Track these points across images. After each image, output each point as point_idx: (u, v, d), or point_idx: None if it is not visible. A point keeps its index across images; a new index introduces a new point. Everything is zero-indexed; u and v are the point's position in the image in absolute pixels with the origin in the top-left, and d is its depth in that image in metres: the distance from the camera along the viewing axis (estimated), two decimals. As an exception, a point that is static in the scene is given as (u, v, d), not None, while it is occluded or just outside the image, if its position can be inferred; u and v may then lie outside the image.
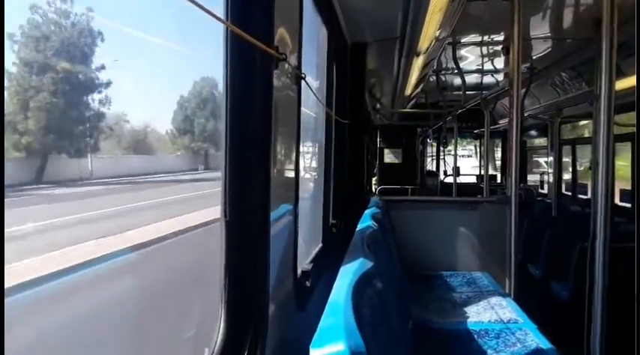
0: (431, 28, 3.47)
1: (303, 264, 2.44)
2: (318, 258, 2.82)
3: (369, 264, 1.68)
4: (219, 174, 1.54)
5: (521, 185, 8.53)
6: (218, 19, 1.32)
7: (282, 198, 1.96)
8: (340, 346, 0.99)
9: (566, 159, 7.49)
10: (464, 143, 17.72)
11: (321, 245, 3.22)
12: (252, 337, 1.53)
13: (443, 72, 6.80)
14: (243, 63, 1.51)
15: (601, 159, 2.53)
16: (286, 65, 1.80)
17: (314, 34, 3.29)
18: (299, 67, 2.04)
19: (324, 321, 1.13)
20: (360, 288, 1.41)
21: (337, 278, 1.48)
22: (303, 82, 2.10)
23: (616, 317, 2.86)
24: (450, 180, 10.41)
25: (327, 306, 1.23)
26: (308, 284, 2.30)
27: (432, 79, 6.73)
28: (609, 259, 2.89)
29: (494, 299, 3.22)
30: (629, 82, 4.88)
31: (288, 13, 1.90)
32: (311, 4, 2.77)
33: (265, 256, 1.59)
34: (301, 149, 2.26)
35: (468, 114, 7.88)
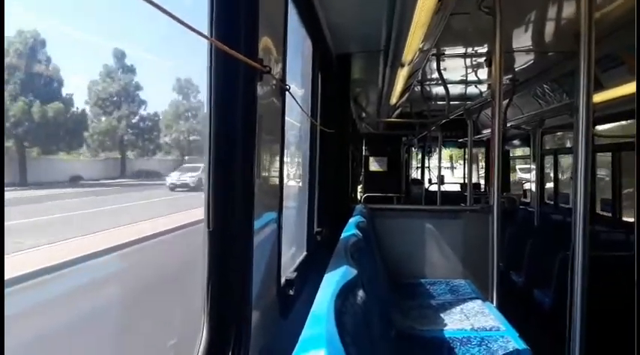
0: (415, 41, 3.53)
1: (287, 272, 2.46)
2: (302, 266, 2.84)
3: (353, 273, 1.71)
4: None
5: (505, 194, 8.65)
6: (202, 35, 1.35)
7: (267, 207, 1.98)
8: None
9: (549, 169, 7.62)
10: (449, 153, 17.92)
11: (305, 253, 3.24)
12: (234, 346, 1.54)
13: (427, 82, 6.90)
14: (227, 75, 1.54)
15: (580, 170, 2.59)
16: (270, 77, 1.83)
17: (299, 45, 3.33)
18: (283, 78, 2.07)
19: (307, 331, 1.16)
20: (343, 297, 1.43)
21: (320, 287, 1.50)
22: (287, 93, 2.13)
23: (596, 326, 2.91)
24: (435, 188, 10.50)
25: (309, 316, 1.25)
26: (292, 292, 2.32)
27: (416, 89, 6.82)
28: (590, 268, 2.96)
29: (477, 307, 3.26)
30: (609, 94, 5.01)
31: (273, 26, 1.94)
32: (296, 16, 2.82)
33: (248, 266, 1.60)
34: (287, 158, 2.29)
35: (453, 124, 7.99)
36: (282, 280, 2.25)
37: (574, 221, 2.75)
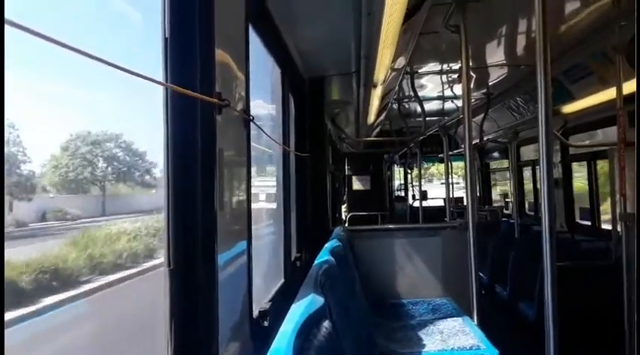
0: (384, 61, 3.57)
1: (262, 303, 2.42)
2: (278, 295, 2.80)
3: (319, 304, 1.68)
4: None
5: (487, 207, 8.70)
6: (157, 82, 1.36)
7: (234, 239, 1.96)
8: None
9: (529, 180, 7.69)
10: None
11: (282, 280, 3.20)
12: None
13: (405, 100, 6.97)
14: (183, 113, 1.53)
15: (543, 180, 2.61)
16: (231, 109, 1.83)
17: (267, 71, 3.35)
18: (246, 109, 2.07)
19: None
20: (306, 332, 1.41)
21: (284, 321, 1.48)
22: (251, 122, 2.12)
23: (574, 335, 2.91)
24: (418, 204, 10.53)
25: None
26: (266, 323, 2.28)
27: (394, 107, 6.88)
28: (568, 277, 2.96)
29: (459, 325, 3.24)
30: (580, 104, 5.09)
31: (234, 59, 1.94)
32: (261, 45, 2.83)
33: (213, 303, 1.57)
34: (259, 184, 2.27)
35: (432, 139, 8.06)
36: (256, 312, 2.21)
37: (542, 231, 2.75)
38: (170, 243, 1.51)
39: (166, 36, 1.55)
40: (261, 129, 2.43)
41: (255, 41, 2.48)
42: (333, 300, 1.95)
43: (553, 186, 2.51)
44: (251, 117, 2.08)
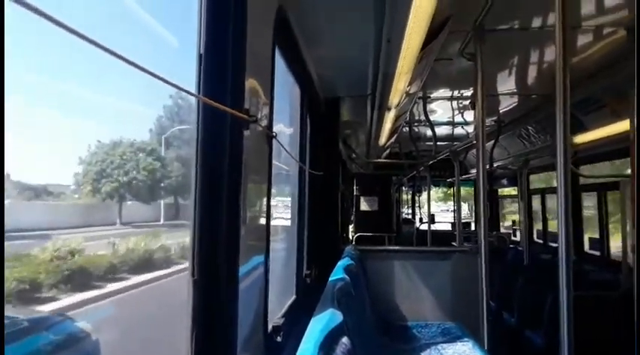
0: (400, 86, 3.64)
1: (275, 318, 2.44)
2: (290, 311, 2.81)
3: (338, 320, 1.71)
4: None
5: (494, 233, 8.68)
6: (190, 93, 1.41)
7: (253, 252, 1.99)
8: None
9: (537, 208, 7.68)
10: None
11: (294, 296, 3.21)
12: (218, 398, 1.52)
13: (416, 123, 7.04)
14: (214, 127, 1.59)
15: (561, 210, 2.63)
16: (257, 125, 1.88)
17: (288, 90, 3.42)
18: (270, 126, 2.12)
19: None
20: (328, 347, 1.43)
21: (304, 336, 1.50)
22: (274, 139, 2.18)
23: None
24: (426, 227, 10.52)
25: None
26: (279, 339, 2.29)
27: (405, 130, 6.95)
28: (578, 307, 2.94)
29: (468, 350, 3.23)
30: (592, 135, 5.13)
31: (260, 77, 2.00)
32: (284, 66, 2.91)
33: (234, 314, 1.60)
34: (275, 201, 2.31)
35: (441, 164, 8.10)
36: (270, 327, 2.23)
37: (559, 261, 2.76)
38: (195, 253, 1.55)
39: (201, 52, 1.61)
40: (283, 146, 2.48)
41: (279, 61, 2.55)
42: (349, 317, 1.97)
43: (571, 215, 2.53)
44: (274, 134, 2.13)
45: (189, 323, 1.51)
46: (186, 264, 1.54)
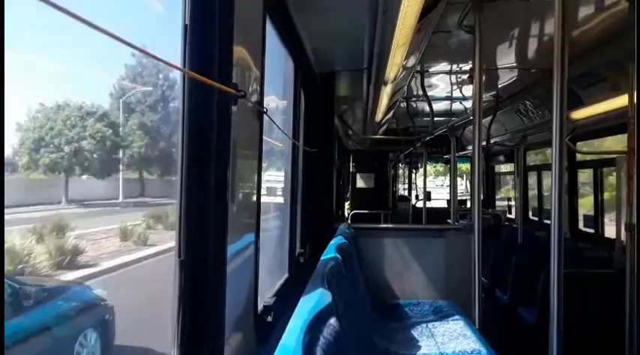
0: (397, 59, 3.55)
1: (266, 297, 2.41)
2: (282, 290, 2.79)
3: (327, 301, 1.67)
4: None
5: (490, 210, 8.67)
6: (175, 67, 1.34)
7: (243, 230, 1.95)
8: None
9: (534, 186, 7.66)
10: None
11: (286, 275, 3.19)
12: (206, 379, 1.49)
13: (413, 99, 6.94)
14: (200, 102, 1.52)
15: (554, 186, 2.59)
16: (246, 101, 1.81)
17: (280, 64, 3.33)
18: (260, 101, 2.05)
19: None
20: (315, 328, 1.40)
21: (292, 316, 1.47)
22: (265, 115, 2.11)
23: (576, 343, 2.89)
24: (421, 204, 10.51)
25: (277, 349, 1.22)
26: (269, 319, 2.27)
27: (402, 106, 6.86)
28: (570, 285, 2.93)
29: (460, 329, 3.23)
30: (590, 111, 5.06)
31: (250, 50, 1.92)
32: (276, 38, 2.81)
33: (221, 296, 1.56)
34: (268, 178, 2.25)
35: (438, 140, 8.03)
36: (260, 306, 2.20)
37: (551, 237, 2.74)
38: (182, 234, 1.50)
39: (186, 23, 1.53)
40: (274, 122, 2.42)
41: (270, 33, 2.45)
42: (339, 297, 1.94)
43: (564, 192, 2.50)
44: (265, 110, 2.06)
45: (175, 305, 1.47)
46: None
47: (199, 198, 1.54)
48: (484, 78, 5.55)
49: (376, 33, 3.19)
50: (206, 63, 1.51)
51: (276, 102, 3.37)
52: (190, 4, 1.53)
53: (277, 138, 3.34)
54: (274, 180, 3.52)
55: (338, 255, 2.56)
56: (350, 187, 10.84)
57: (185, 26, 1.53)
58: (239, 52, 1.74)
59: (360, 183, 10.89)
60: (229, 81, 1.60)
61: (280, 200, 3.59)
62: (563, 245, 2.59)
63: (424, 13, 3.07)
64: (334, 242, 2.98)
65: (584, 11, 3.64)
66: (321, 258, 2.47)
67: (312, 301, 1.57)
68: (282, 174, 3.59)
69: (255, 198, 2.11)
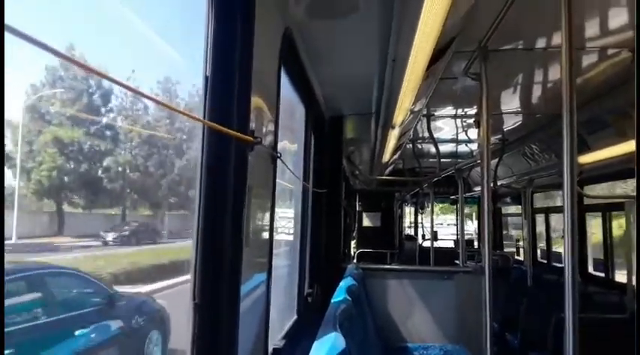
0: (405, 104, 3.63)
1: (275, 339, 2.41)
2: (292, 332, 2.78)
3: (341, 346, 1.68)
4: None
5: (498, 252, 8.61)
6: (196, 119, 1.41)
7: (255, 274, 1.97)
8: None
9: (541, 227, 7.63)
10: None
11: (295, 317, 3.18)
12: None
13: (419, 140, 7.03)
14: (219, 149, 1.58)
15: (567, 231, 2.60)
16: (262, 147, 1.87)
17: (293, 109, 3.42)
18: (274, 146, 2.12)
19: None
20: None
21: None
22: (278, 160, 2.17)
23: None
24: (428, 244, 10.44)
25: None
26: (280, 362, 2.26)
27: (408, 147, 6.93)
28: (583, 330, 2.89)
29: None
30: (597, 155, 5.10)
31: (266, 98, 2.00)
32: (289, 84, 2.91)
33: (234, 340, 1.58)
34: (278, 218, 2.29)
35: (445, 180, 8.07)
36: (270, 349, 2.20)
37: (565, 282, 2.73)
38: (197, 276, 1.53)
39: (207, 74, 1.61)
40: (287, 167, 2.48)
41: (284, 79, 2.55)
42: (351, 342, 1.94)
43: (577, 236, 2.51)
44: (279, 154, 2.12)
45: (189, 349, 1.49)
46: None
47: (215, 241, 1.57)
48: (490, 122, 5.66)
49: (385, 80, 3.29)
50: (225, 112, 1.58)
51: (289, 144, 3.45)
52: (212, 57, 1.61)
53: (288, 179, 3.40)
54: (283, 217, 3.55)
55: (349, 297, 2.56)
56: (356, 226, 10.81)
57: (206, 77, 1.61)
58: (256, 100, 1.82)
59: (366, 222, 10.87)
60: (247, 129, 1.67)
61: (288, 237, 3.61)
62: (577, 290, 2.58)
63: (432, 61, 3.18)
64: (344, 284, 2.98)
65: (588, 60, 3.73)
66: (332, 300, 2.47)
67: (326, 346, 1.58)
68: (291, 210, 3.63)
69: (267, 239, 2.14)
